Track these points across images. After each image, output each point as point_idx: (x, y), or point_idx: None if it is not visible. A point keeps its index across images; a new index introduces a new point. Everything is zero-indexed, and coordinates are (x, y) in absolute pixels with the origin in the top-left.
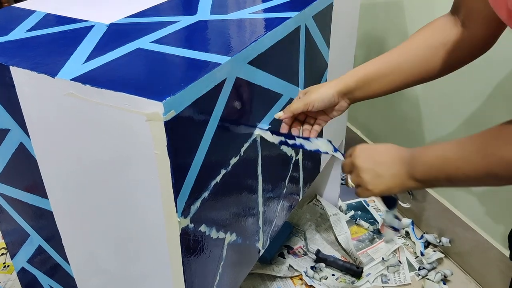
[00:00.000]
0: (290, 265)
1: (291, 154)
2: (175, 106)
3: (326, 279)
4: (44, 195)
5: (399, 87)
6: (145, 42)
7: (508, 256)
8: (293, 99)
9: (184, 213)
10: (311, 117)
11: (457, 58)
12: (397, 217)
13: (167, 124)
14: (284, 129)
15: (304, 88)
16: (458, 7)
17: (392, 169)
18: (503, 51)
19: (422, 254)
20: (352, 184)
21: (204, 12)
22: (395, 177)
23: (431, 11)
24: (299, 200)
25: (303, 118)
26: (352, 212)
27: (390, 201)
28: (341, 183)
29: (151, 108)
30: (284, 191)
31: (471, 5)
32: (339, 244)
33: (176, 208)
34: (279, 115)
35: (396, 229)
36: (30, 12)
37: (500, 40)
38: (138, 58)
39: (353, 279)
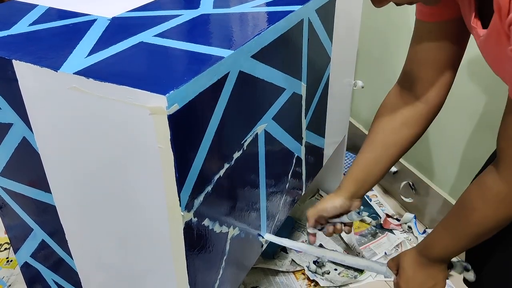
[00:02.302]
0: (292, 260)
1: (293, 149)
2: (179, 99)
3: (328, 273)
4: (47, 189)
5: (388, 169)
6: (148, 36)
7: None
8: (296, 93)
9: (188, 207)
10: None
11: (419, 128)
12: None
13: (171, 117)
14: (311, 238)
15: (306, 82)
16: (408, 80)
17: (432, 280)
18: None
19: None
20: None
21: (206, 5)
22: (436, 278)
23: None
24: (302, 194)
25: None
26: None
27: None
28: None
29: (154, 102)
30: (286, 186)
31: (421, 75)
32: (342, 238)
33: (180, 202)
34: (307, 225)
35: None
36: (33, 6)
37: None
38: (141, 52)
39: (356, 273)
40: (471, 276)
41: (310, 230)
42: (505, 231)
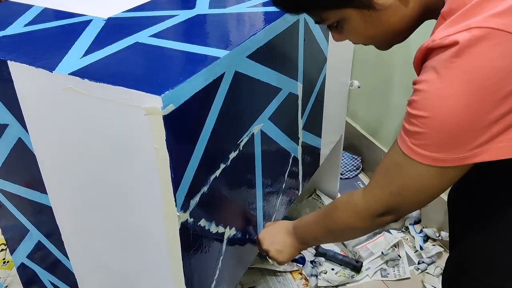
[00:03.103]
0: None
1: (290, 149)
2: (174, 100)
3: (325, 273)
4: (43, 190)
5: None
6: (144, 36)
7: None
8: (292, 93)
9: (184, 208)
10: None
11: None
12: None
13: (166, 118)
14: None
15: (303, 82)
16: None
17: (286, 242)
18: None
19: (421, 248)
20: (271, 260)
21: (202, 6)
22: (290, 246)
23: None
24: (299, 194)
25: None
26: None
27: (299, 261)
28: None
29: (149, 102)
30: (283, 186)
31: None
32: None
33: (176, 203)
34: None
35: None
36: (28, 7)
37: None
38: (136, 52)
39: (353, 273)
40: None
41: None
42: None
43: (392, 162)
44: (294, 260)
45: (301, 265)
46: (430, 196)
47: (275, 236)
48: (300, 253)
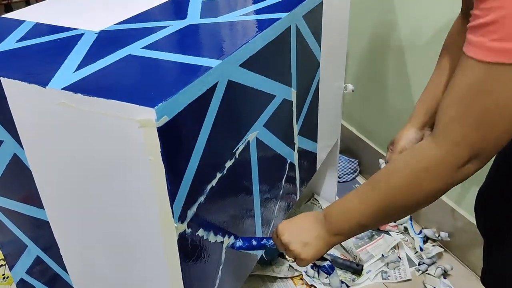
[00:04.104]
0: (290, 265)
1: (286, 155)
2: (168, 111)
3: (326, 278)
4: (40, 205)
5: None
6: (136, 48)
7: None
8: (287, 99)
9: (181, 218)
10: None
11: None
12: (342, 281)
13: (160, 130)
14: None
15: (296, 87)
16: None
17: (314, 233)
18: None
19: (421, 249)
20: (291, 259)
21: (194, 16)
22: (319, 238)
23: (420, 5)
24: (297, 200)
25: None
26: None
27: (325, 268)
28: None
29: (143, 115)
30: (281, 192)
31: None
32: None
33: (173, 214)
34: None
35: None
36: (20, 22)
37: None
38: (129, 64)
39: (354, 276)
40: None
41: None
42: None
43: (466, 85)
44: (319, 267)
45: (328, 275)
46: None
47: (299, 225)
48: (327, 258)
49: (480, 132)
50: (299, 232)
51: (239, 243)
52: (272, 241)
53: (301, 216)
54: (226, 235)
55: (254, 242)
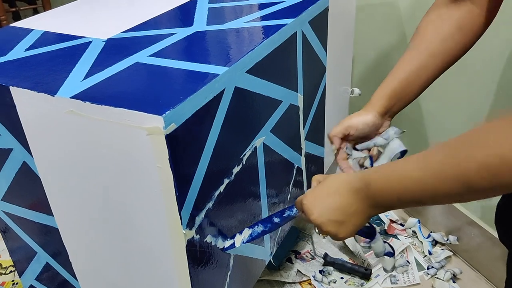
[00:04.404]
0: (298, 270)
1: (293, 160)
2: (176, 119)
3: (335, 282)
4: (49, 212)
5: (429, 84)
6: (143, 56)
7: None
8: (293, 105)
9: (189, 225)
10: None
11: (474, 36)
12: (384, 241)
13: (168, 137)
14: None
15: (303, 93)
16: None
17: (351, 209)
18: (503, 48)
19: (430, 253)
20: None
21: (200, 23)
22: (358, 214)
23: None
24: None
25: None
26: None
27: (368, 234)
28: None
29: (151, 122)
30: (288, 196)
31: None
32: (346, 246)
33: (181, 220)
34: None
35: (391, 253)
36: (28, 31)
37: (500, 37)
38: (136, 72)
39: (362, 281)
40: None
41: (338, 152)
42: None
43: None
44: (360, 233)
45: (369, 240)
46: None
47: (331, 202)
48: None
49: None
50: (333, 211)
51: (259, 228)
52: (295, 209)
53: (329, 185)
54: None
55: (276, 219)
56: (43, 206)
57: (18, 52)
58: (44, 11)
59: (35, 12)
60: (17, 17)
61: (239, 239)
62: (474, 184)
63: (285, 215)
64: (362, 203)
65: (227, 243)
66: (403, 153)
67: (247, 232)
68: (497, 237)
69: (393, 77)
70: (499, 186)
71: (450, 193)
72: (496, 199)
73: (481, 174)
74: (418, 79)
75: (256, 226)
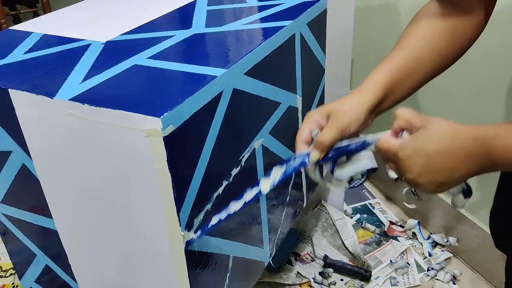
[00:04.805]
0: (298, 272)
1: None
2: (174, 121)
3: (335, 284)
4: (48, 214)
5: (418, 87)
6: (142, 58)
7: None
8: (292, 106)
9: (188, 227)
10: None
11: (467, 40)
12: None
13: (166, 139)
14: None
15: (302, 94)
16: None
17: (461, 172)
18: (501, 47)
19: (430, 255)
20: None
21: (199, 25)
22: (466, 176)
23: None
24: (304, 206)
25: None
26: (358, 216)
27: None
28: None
29: (149, 124)
30: (288, 198)
31: None
32: (346, 248)
33: (180, 222)
34: (315, 156)
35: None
36: (27, 34)
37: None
38: (135, 74)
39: (362, 283)
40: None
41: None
42: None
43: None
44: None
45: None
46: None
47: (438, 158)
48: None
49: None
50: (439, 172)
51: (265, 183)
52: (309, 158)
53: (439, 143)
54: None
55: (291, 166)
56: (42, 209)
57: (17, 55)
58: (44, 14)
59: (35, 15)
60: (17, 20)
61: (266, 184)
62: None
63: (296, 165)
64: (476, 168)
65: (249, 194)
66: (370, 171)
67: (278, 172)
68: None
69: (383, 71)
70: None
71: None
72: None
73: None
74: (410, 76)
75: (265, 178)
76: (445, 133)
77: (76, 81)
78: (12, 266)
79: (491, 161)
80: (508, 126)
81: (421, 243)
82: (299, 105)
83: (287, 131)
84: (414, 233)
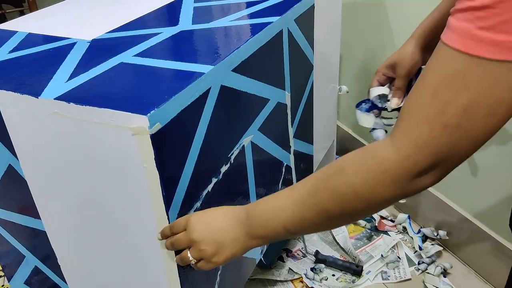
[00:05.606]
0: (290, 268)
1: (282, 158)
2: (161, 118)
3: (326, 279)
4: (36, 215)
5: None
6: (128, 56)
7: None
8: (281, 103)
9: None
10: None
11: None
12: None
13: (154, 137)
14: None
15: (290, 90)
16: None
17: (231, 233)
18: None
19: (420, 249)
20: (193, 260)
21: (185, 22)
22: (236, 241)
23: (412, 7)
24: None
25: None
26: None
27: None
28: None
29: (136, 122)
30: None
31: None
32: (337, 243)
33: (169, 220)
34: (397, 103)
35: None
36: (12, 33)
37: None
38: (121, 72)
39: (354, 278)
40: None
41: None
42: None
43: (445, 76)
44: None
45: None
46: (500, 122)
47: (215, 222)
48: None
49: (452, 137)
50: (215, 229)
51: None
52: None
53: (218, 211)
54: None
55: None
56: (30, 209)
57: (2, 54)
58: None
59: (21, 14)
60: (3, 20)
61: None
62: (330, 211)
63: None
64: (240, 231)
65: None
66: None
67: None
68: (487, 232)
69: (433, 15)
70: (351, 213)
71: (314, 221)
72: (493, 198)
73: (334, 200)
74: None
75: None
76: (226, 206)
77: (62, 80)
78: (1, 268)
79: (250, 225)
80: (266, 197)
81: (411, 237)
82: (288, 102)
83: (276, 127)
84: (404, 227)
